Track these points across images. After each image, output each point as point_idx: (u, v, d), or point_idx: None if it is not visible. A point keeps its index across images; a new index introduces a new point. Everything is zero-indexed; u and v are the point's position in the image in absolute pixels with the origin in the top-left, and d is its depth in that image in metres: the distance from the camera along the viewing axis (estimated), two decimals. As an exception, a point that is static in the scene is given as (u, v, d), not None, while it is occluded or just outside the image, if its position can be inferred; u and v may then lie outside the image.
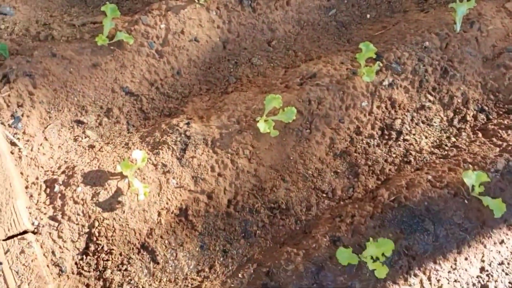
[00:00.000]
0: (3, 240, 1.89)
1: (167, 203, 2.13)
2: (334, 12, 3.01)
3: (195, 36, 2.63)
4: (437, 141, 2.53)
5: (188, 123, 2.27)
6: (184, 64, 2.60)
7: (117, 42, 2.48)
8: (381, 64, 2.53)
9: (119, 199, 2.05)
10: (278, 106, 2.25)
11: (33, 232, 1.95)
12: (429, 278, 1.96)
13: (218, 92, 2.62)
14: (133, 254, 2.05)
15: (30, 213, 1.99)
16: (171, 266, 2.09)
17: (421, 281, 1.96)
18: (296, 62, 2.81)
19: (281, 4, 2.85)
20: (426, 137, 2.54)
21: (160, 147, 2.19)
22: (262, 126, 2.24)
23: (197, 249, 2.15)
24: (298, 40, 2.89)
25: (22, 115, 2.24)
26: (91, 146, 2.29)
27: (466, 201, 2.11)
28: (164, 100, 2.53)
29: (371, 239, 1.96)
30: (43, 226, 1.97)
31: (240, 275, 1.98)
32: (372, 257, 1.90)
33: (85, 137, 2.32)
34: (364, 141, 2.49)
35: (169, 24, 2.56)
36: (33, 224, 1.96)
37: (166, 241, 2.11)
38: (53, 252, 1.95)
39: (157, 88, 2.54)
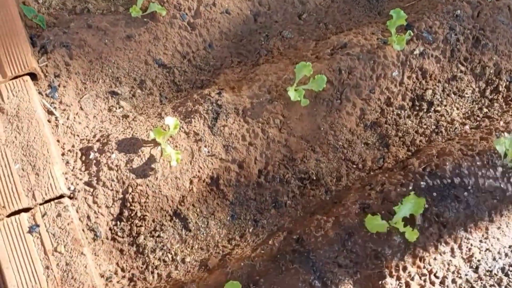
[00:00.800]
0: (40, 204, 1.87)
1: (198, 171, 2.07)
2: (365, -15, 2.87)
3: (227, 8, 2.54)
4: (469, 112, 2.40)
5: (219, 93, 2.20)
6: (216, 37, 2.52)
7: (150, 14, 2.41)
8: (412, 33, 2.39)
9: (152, 165, 2.00)
10: (309, 74, 2.16)
11: (69, 197, 1.93)
12: (460, 247, 1.86)
13: (249, 64, 2.54)
14: (166, 221, 2.01)
15: (66, 179, 1.96)
16: (203, 233, 2.05)
17: (452, 249, 1.85)
18: (327, 35, 2.69)
19: (313, -24, 2.73)
20: (457, 108, 2.41)
21: (192, 115, 2.13)
22: (292, 94, 2.15)
23: (228, 218, 2.10)
24: (329, 13, 2.77)
25: (59, 85, 2.21)
26: (125, 116, 2.24)
27: (498, 169, 1.98)
28: (196, 72, 2.46)
29: (400, 203, 1.86)
30: (78, 191, 1.94)
31: (270, 242, 1.92)
32: (402, 220, 1.80)
33: (119, 108, 2.27)
34: (394, 112, 2.38)
35: (201, -4, 2.48)
36: (69, 189, 1.94)
37: (198, 209, 2.06)
38: (88, 217, 1.92)
39: (189, 60, 2.47)
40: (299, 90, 2.17)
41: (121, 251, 1.93)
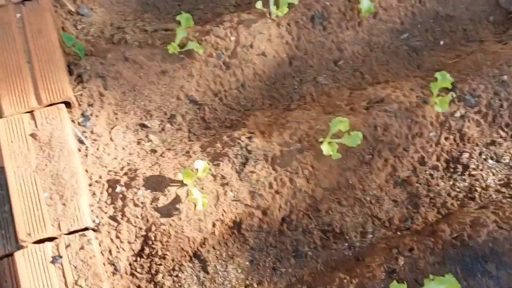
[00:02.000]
0: (65, 234, 2.08)
1: (222, 215, 2.27)
2: (406, 36, 3.09)
3: (263, 50, 2.77)
4: (505, 179, 2.56)
5: (250, 138, 2.40)
6: (249, 78, 2.75)
7: (186, 51, 2.65)
8: (454, 95, 2.57)
9: (177, 206, 2.20)
10: (344, 130, 2.35)
11: (93, 230, 2.13)
12: (485, 323, 2.01)
13: (280, 108, 2.75)
14: (185, 261, 2.20)
15: (92, 211, 2.17)
16: (221, 277, 2.23)
17: (477, 324, 2.00)
18: (362, 85, 2.89)
19: (353, 24, 2.96)
20: (493, 174, 2.57)
21: (220, 158, 2.34)
22: (325, 148, 2.34)
23: (247, 263, 2.28)
24: (366, 62, 2.98)
25: (91, 115, 2.45)
26: (153, 151, 2.47)
27: (532, 245, 2.13)
28: (226, 111, 2.68)
29: (431, 275, 2.01)
30: (103, 225, 2.15)
31: (289, 295, 2.09)
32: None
33: (148, 141, 2.50)
34: (427, 172, 2.54)
35: (239, 37, 2.72)
36: (94, 221, 2.14)
37: (218, 252, 2.25)
38: (110, 251, 2.12)
39: (220, 99, 2.69)
40: (332, 144, 2.37)
41: (139, 287, 2.12)
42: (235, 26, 2.74)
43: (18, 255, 2.01)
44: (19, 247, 2.04)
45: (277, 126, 2.55)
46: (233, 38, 2.72)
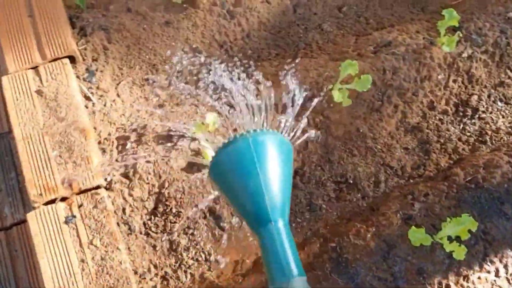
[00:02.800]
0: (77, 193, 1.87)
1: (235, 168, 2.05)
2: (410, -22, 2.79)
3: (268, -3, 2.49)
4: (516, 121, 2.35)
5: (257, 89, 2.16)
6: (255, 27, 2.47)
7: (190, 0, 2.36)
8: (461, 35, 2.33)
9: (190, 161, 1.98)
10: (354, 74, 2.11)
11: (105, 188, 1.92)
12: (505, 266, 1.83)
13: (287, 58, 2.49)
14: (200, 218, 2.00)
15: (103, 169, 1.95)
16: (236, 233, 2.04)
17: (496, 269, 1.83)
18: (368, 30, 2.64)
19: (356, -33, 2.66)
20: (503, 117, 2.36)
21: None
22: (336, 95, 2.11)
23: (262, 216, 2.08)
24: (370, 7, 2.71)
25: (96, 70, 2.19)
26: (161, 105, 2.22)
27: (550, 186, 1.95)
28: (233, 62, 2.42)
29: (448, 218, 1.83)
30: (115, 183, 1.93)
31: (306, 248, 1.90)
32: (448, 238, 1.78)
33: (156, 96, 2.25)
34: (437, 117, 2.33)
35: (243, -16, 2.43)
36: (105, 180, 1.93)
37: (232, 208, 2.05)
38: (123, 210, 1.91)
39: (226, 50, 2.43)
40: (342, 90, 2.13)
41: (154, 247, 1.92)
42: (238, -28, 2.44)
43: (30, 216, 1.80)
44: (31, 209, 1.82)
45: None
46: (236, -14, 2.43)
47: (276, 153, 1.35)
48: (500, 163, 2.04)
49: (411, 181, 2.19)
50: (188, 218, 1.97)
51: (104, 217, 1.82)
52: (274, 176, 1.31)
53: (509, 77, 2.40)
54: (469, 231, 1.77)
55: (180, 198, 1.96)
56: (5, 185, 2.08)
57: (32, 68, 2.08)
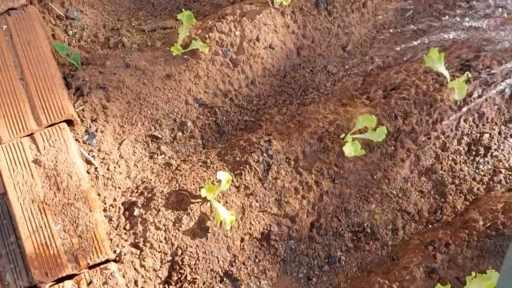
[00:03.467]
0: (85, 269, 1.76)
1: (250, 228, 1.97)
2: (411, 14, 2.76)
3: (270, 43, 2.42)
4: (529, 157, 2.31)
5: (269, 141, 2.09)
6: (259, 73, 2.41)
7: (191, 51, 2.30)
8: (470, 75, 2.29)
9: (203, 225, 1.90)
10: (371, 127, 2.05)
11: (115, 261, 1.82)
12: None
13: (295, 104, 2.43)
14: (216, 282, 1.91)
15: (111, 240, 1.85)
16: (255, 295, 1.95)
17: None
18: (374, 70, 2.58)
19: (357, 6, 2.62)
20: (516, 153, 2.31)
21: (241, 167, 2.02)
22: (348, 149, 2.04)
23: (280, 276, 1.99)
24: (374, 45, 2.66)
25: (96, 131, 2.09)
26: (168, 164, 2.13)
27: None
28: (239, 112, 2.34)
29: (473, 273, 1.77)
30: (125, 254, 1.83)
31: (330, 309, 1.82)
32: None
33: (161, 154, 2.16)
34: (450, 158, 2.28)
35: (244, 31, 2.36)
36: (114, 252, 1.83)
37: (249, 268, 1.96)
38: (135, 282, 1.81)
39: (231, 99, 2.35)
40: (355, 143, 2.06)
41: (171, 317, 1.82)
42: (238, 19, 2.38)
43: (37, 299, 1.69)
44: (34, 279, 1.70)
45: (294, 124, 2.23)
46: (238, 33, 2.36)
47: None
48: (519, 208, 1.99)
49: (430, 226, 2.13)
50: (204, 283, 1.87)
51: (116, 293, 1.72)
52: None
53: (519, 112, 2.36)
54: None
55: (195, 264, 1.87)
56: (5, 250, 1.94)
57: (27, 136, 1.97)
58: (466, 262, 1.88)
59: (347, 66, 2.56)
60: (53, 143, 1.94)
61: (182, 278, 1.86)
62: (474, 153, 2.30)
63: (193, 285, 1.86)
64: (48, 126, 1.98)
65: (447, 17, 2.80)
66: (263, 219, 1.99)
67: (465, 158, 2.30)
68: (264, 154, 2.06)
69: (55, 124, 1.99)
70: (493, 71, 2.37)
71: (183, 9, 2.40)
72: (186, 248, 1.86)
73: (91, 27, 2.46)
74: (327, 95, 2.42)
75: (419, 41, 2.73)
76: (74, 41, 2.38)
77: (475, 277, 1.76)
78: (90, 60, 2.30)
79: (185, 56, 2.29)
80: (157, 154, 2.15)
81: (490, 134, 2.33)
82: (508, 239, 1.93)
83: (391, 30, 2.71)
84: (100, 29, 2.47)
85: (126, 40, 2.39)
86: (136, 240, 1.86)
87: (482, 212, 2.06)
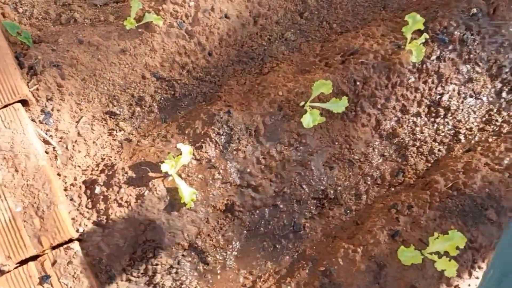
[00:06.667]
0: (49, 250, 1.81)
1: (213, 200, 2.03)
2: (367, -23, 2.81)
3: (226, 12, 2.45)
4: (487, 116, 2.41)
5: (228, 112, 2.14)
6: (216, 44, 2.44)
7: (145, 24, 2.31)
8: (427, 36, 2.36)
9: (165, 200, 1.95)
10: (327, 93, 2.11)
11: (79, 240, 1.87)
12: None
13: (253, 73, 2.48)
14: (182, 256, 1.98)
15: (73, 219, 1.90)
16: (222, 266, 2.02)
17: (485, 273, 1.89)
18: (332, 35, 2.64)
19: (313, -30, 2.66)
20: (474, 112, 2.42)
21: (202, 140, 2.08)
22: (306, 120, 2.11)
23: (246, 246, 2.08)
24: (332, 10, 2.71)
25: (52, 110, 2.11)
26: (128, 140, 2.17)
27: (530, 186, 2.01)
28: (198, 84, 2.39)
29: (435, 233, 1.87)
30: (87, 233, 1.88)
31: (295, 275, 1.91)
32: (438, 253, 1.82)
33: (120, 130, 2.20)
34: (410, 120, 2.37)
35: (199, 1, 2.39)
36: (77, 231, 1.88)
37: (214, 240, 2.04)
38: (100, 260, 1.87)
39: (189, 72, 2.39)
40: (313, 113, 2.13)
41: (138, 293, 1.90)
42: (192, -11, 2.40)
43: (1, 281, 1.73)
44: (1, 272, 1.75)
45: (254, 95, 2.29)
46: (192, 3, 2.38)
47: None
48: (478, 166, 2.10)
49: (392, 189, 2.23)
50: (170, 257, 1.95)
51: (80, 272, 1.78)
52: None
53: (477, 72, 2.45)
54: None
55: (160, 239, 1.93)
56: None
57: (-19, 118, 1.99)
58: (428, 223, 1.98)
59: (304, 33, 2.61)
60: (8, 124, 1.96)
61: (147, 253, 1.92)
62: (434, 114, 2.39)
63: (159, 259, 1.93)
64: (2, 108, 2.00)
65: (405, -21, 2.86)
66: (226, 191, 2.06)
67: (425, 120, 2.39)
68: (224, 126, 2.11)
69: (9, 105, 2.01)
70: (450, 32, 2.45)
71: (135, -19, 2.41)
72: (150, 223, 1.92)
73: (42, 3, 2.45)
74: (286, 63, 2.48)
75: (377, 5, 2.80)
76: (24, 19, 2.37)
77: (437, 237, 1.85)
78: (42, 37, 2.30)
79: (139, 30, 2.31)
80: (116, 131, 2.19)
81: (449, 95, 2.42)
82: (469, 199, 2.03)
83: (349, -6, 2.76)
84: (51, 5, 2.46)
85: (78, 15, 2.39)
86: (99, 218, 1.91)
87: (443, 173, 2.16)
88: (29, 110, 2.08)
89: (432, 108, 2.39)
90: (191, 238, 1.98)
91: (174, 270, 1.94)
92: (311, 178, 2.18)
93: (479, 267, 1.89)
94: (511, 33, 2.48)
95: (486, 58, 2.45)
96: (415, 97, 2.38)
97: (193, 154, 2.04)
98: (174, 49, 2.36)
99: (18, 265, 1.79)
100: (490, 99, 2.45)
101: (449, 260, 1.78)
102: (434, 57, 2.38)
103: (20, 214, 1.83)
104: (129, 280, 1.89)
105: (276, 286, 1.92)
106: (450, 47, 2.42)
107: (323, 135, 2.24)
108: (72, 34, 2.26)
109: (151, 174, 1.99)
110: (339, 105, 2.12)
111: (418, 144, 2.34)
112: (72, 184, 2.00)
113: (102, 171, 2.03)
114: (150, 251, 1.91)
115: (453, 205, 2.01)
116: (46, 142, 2.05)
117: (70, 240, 1.84)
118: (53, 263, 1.78)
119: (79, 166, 2.06)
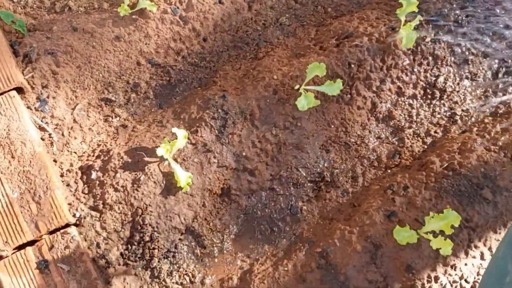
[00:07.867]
0: (46, 235, 1.82)
1: (209, 184, 2.04)
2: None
3: (220, -3, 2.45)
4: (483, 97, 2.40)
5: (223, 96, 2.14)
6: (210, 30, 2.44)
7: (139, 11, 2.31)
8: (421, 18, 2.35)
9: (161, 184, 1.96)
10: (321, 75, 2.11)
11: (75, 225, 1.88)
12: (490, 249, 1.90)
13: (248, 58, 2.48)
14: (179, 240, 1.98)
15: (70, 204, 1.91)
16: (219, 250, 2.03)
17: (481, 253, 1.89)
18: (327, 20, 2.64)
19: (308, -45, 2.65)
20: (470, 93, 2.41)
21: (197, 124, 2.08)
22: (301, 103, 2.11)
23: (243, 230, 2.08)
24: (327, -6, 2.70)
25: (48, 97, 2.12)
26: (123, 126, 2.18)
27: (525, 165, 2.01)
28: (193, 70, 2.39)
29: (431, 213, 1.87)
30: (84, 218, 1.89)
31: (293, 257, 1.92)
32: (433, 233, 1.82)
33: (116, 116, 2.20)
34: (406, 102, 2.36)
35: (193, -13, 2.38)
36: (74, 216, 1.88)
37: (211, 224, 2.04)
38: (97, 245, 1.88)
39: (184, 57, 2.39)
40: (308, 96, 2.13)
41: (136, 276, 1.90)
42: (186, -25, 2.39)
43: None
44: (-1, 258, 1.77)
45: (249, 79, 2.28)
46: (186, -11, 2.38)
47: None
48: (474, 146, 2.10)
49: (389, 171, 2.22)
50: (167, 240, 1.95)
51: (77, 256, 1.79)
52: None
53: (472, 53, 2.44)
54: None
55: (156, 223, 1.94)
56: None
57: (-23, 106, 1.99)
58: (424, 203, 1.98)
59: (299, 18, 2.60)
60: (4, 111, 1.97)
61: (144, 237, 1.93)
62: (430, 96, 2.38)
63: (156, 243, 1.94)
64: (-3, 95, 2.01)
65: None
66: (222, 175, 2.06)
67: (421, 102, 2.38)
68: (219, 110, 2.11)
69: (5, 92, 2.01)
70: (445, 14, 2.44)
71: (128, -32, 2.41)
72: (146, 207, 1.93)
73: (36, -8, 2.45)
74: (281, 48, 2.48)
75: (373, -12, 2.79)
76: (19, 8, 2.37)
77: (432, 217, 1.85)
78: (36, 26, 2.30)
79: (134, 16, 2.31)
80: (112, 117, 2.19)
81: (445, 76, 2.41)
82: (465, 179, 2.02)
83: (343, -22, 2.75)
84: (45, -7, 2.46)
85: (73, 3, 2.39)
86: (95, 203, 1.92)
87: (439, 154, 2.15)
88: (24, 97, 2.09)
89: (428, 90, 2.39)
90: (187, 222, 1.98)
91: (171, 254, 1.95)
92: (307, 161, 2.18)
93: (476, 246, 1.89)
94: (506, 13, 2.47)
95: (481, 38, 2.44)
96: (410, 79, 2.37)
97: (188, 139, 2.04)
98: (168, 35, 2.36)
99: (15, 250, 1.80)
100: (487, 80, 2.44)
101: (445, 239, 1.78)
102: (428, 39, 2.37)
103: (17, 200, 1.84)
104: (126, 265, 1.90)
105: (273, 268, 1.92)
106: (445, 29, 2.41)
107: (318, 118, 2.23)
108: (66, 22, 2.26)
109: (146, 159, 2.00)
110: (333, 88, 2.12)
111: (414, 126, 2.34)
112: (68, 170, 2.00)
113: (98, 157, 2.03)
114: (147, 235, 1.92)
115: (448, 185, 2.01)
116: (42, 129, 2.06)
117: (67, 225, 1.85)
118: (50, 248, 1.79)
119: (75, 152, 2.06)
